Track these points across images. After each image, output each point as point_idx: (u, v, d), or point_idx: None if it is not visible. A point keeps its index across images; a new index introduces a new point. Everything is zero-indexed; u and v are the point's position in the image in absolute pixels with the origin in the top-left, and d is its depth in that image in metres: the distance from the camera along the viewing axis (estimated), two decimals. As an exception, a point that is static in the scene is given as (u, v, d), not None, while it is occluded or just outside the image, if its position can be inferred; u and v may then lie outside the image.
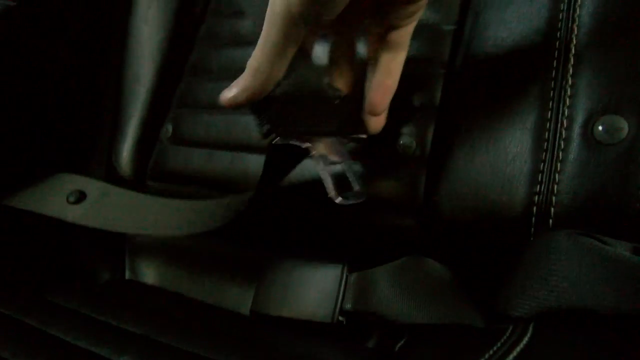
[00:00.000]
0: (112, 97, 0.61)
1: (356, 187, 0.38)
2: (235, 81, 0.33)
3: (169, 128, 0.57)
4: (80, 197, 0.55)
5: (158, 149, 0.58)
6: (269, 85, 0.32)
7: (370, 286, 0.39)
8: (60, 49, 0.61)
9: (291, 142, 0.36)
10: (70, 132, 0.62)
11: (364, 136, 0.39)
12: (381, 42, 0.35)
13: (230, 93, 0.33)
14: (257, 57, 0.31)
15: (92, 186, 0.56)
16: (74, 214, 0.54)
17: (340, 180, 0.37)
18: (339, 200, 0.36)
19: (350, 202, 0.37)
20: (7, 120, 0.59)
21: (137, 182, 0.58)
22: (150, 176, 0.57)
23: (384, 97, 0.36)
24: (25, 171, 0.60)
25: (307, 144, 0.37)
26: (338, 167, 0.38)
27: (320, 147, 0.37)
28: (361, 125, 0.38)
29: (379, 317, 0.38)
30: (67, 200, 0.55)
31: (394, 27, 0.34)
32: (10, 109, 0.59)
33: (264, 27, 0.30)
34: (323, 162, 0.37)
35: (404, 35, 0.34)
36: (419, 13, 0.33)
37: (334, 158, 0.37)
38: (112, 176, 0.59)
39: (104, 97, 0.61)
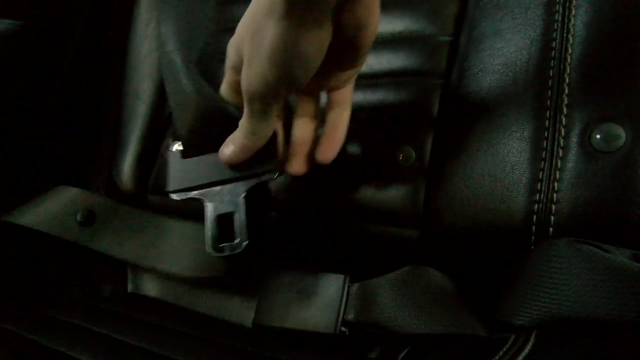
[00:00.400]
0: (112, 112, 0.61)
1: (239, 238, 0.40)
2: (230, 138, 0.37)
3: (169, 142, 0.58)
4: (90, 217, 0.55)
5: (159, 163, 0.58)
6: (262, 141, 0.36)
7: (372, 297, 0.39)
8: (62, 65, 0.61)
9: (189, 197, 0.41)
10: (71, 146, 0.63)
11: (273, 176, 0.39)
12: (327, 102, 0.39)
13: (229, 151, 0.37)
14: (246, 123, 0.35)
15: (101, 205, 0.56)
16: (86, 237, 0.54)
17: (225, 231, 0.40)
18: (211, 252, 0.40)
19: (225, 253, 0.40)
20: (7, 134, 0.59)
21: (138, 196, 0.58)
22: (151, 190, 0.58)
23: (334, 148, 0.39)
24: (25, 187, 0.60)
25: (201, 197, 0.40)
26: (225, 217, 0.40)
27: (215, 198, 0.40)
28: (271, 164, 0.39)
29: (381, 328, 0.38)
30: (76, 220, 0.55)
31: (335, 89, 0.38)
32: (12, 123, 0.59)
33: (246, 100, 0.33)
34: (210, 213, 0.40)
35: (345, 93, 0.38)
36: (356, 75, 0.37)
37: (225, 208, 0.40)
38: (113, 191, 0.59)
39: (105, 112, 0.62)
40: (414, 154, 0.43)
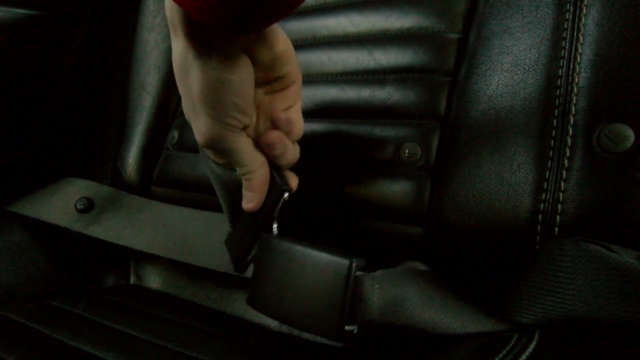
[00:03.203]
0: (118, 104, 0.61)
1: None
2: (245, 190, 0.39)
3: (175, 135, 0.58)
4: (88, 204, 0.55)
5: (164, 155, 0.58)
6: (262, 171, 0.39)
7: (368, 296, 0.38)
8: (68, 56, 0.61)
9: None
10: (76, 138, 0.63)
11: (291, 190, 0.40)
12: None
13: (247, 199, 0.39)
14: (236, 166, 0.38)
15: (99, 192, 0.56)
16: (83, 224, 0.54)
17: None
18: None
19: None
20: (13, 125, 0.59)
21: (142, 187, 0.58)
22: (156, 182, 0.58)
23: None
24: (31, 177, 0.61)
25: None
26: None
27: None
28: (281, 184, 0.39)
29: (399, 329, 0.37)
30: (76, 208, 0.55)
31: (288, 107, 0.39)
32: (18, 114, 0.59)
33: (216, 152, 0.38)
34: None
35: (296, 110, 0.40)
36: (295, 101, 0.39)
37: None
38: (117, 182, 0.59)
39: (111, 104, 0.62)
40: (419, 151, 0.42)
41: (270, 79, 0.37)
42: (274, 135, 0.38)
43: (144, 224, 0.53)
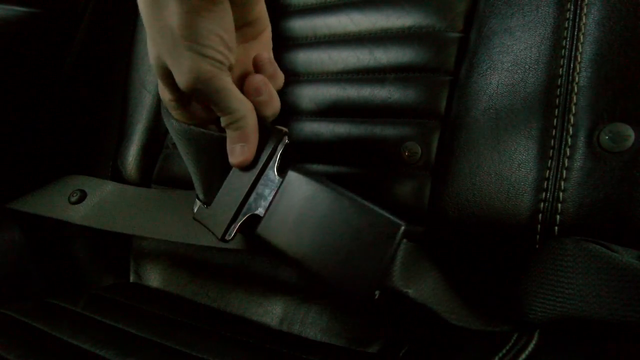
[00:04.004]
0: (118, 102, 0.61)
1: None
2: (228, 144, 0.37)
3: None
4: (82, 196, 0.55)
5: (164, 153, 0.58)
6: (251, 116, 0.36)
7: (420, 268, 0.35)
8: (68, 54, 0.61)
9: (240, 225, 0.38)
10: (77, 136, 0.63)
11: (286, 137, 0.37)
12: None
13: (237, 152, 0.36)
14: (222, 114, 0.35)
15: (93, 184, 0.56)
16: (76, 214, 0.54)
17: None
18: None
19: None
20: (13, 124, 0.59)
21: (142, 185, 0.58)
22: (156, 180, 0.58)
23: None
24: (31, 176, 0.61)
25: (250, 215, 0.38)
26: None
27: (259, 202, 0.38)
28: (278, 133, 0.37)
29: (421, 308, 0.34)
30: (69, 200, 0.55)
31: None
32: (18, 112, 0.59)
33: (201, 98, 0.35)
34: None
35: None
36: (269, 41, 0.40)
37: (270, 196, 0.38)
38: (117, 180, 0.59)
39: (111, 102, 0.62)
40: (420, 150, 0.43)
41: (243, 22, 0.37)
42: (259, 79, 0.37)
43: (138, 208, 0.53)
